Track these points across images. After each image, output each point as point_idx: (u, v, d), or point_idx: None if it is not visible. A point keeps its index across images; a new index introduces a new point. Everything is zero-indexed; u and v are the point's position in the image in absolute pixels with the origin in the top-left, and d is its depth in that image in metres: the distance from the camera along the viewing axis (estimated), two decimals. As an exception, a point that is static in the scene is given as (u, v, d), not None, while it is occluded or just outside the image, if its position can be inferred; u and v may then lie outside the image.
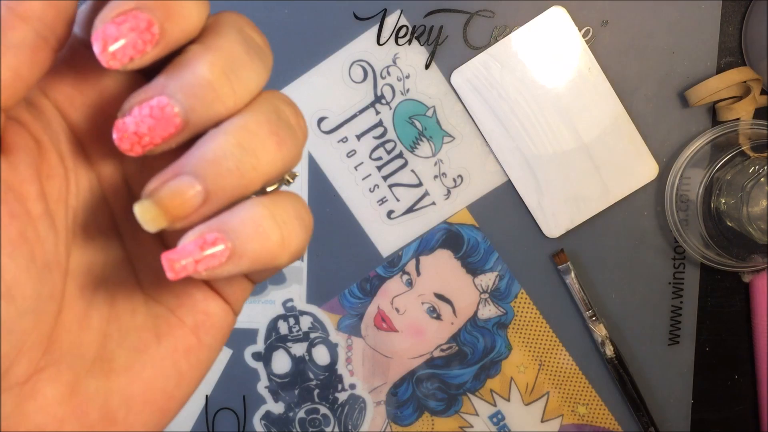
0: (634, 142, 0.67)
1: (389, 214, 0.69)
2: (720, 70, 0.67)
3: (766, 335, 0.69)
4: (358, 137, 0.68)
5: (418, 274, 0.70)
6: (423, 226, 0.70)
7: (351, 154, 0.69)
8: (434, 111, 0.68)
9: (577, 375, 0.71)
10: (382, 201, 0.69)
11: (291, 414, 0.72)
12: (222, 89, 0.28)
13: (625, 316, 0.70)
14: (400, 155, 0.69)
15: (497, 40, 0.67)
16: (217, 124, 0.28)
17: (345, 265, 0.70)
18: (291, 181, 0.31)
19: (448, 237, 0.69)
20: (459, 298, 0.70)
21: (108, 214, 0.32)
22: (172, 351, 0.32)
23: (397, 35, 0.67)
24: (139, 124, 0.27)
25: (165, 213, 0.27)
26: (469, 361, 0.71)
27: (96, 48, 0.27)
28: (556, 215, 0.68)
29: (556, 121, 0.67)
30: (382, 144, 0.69)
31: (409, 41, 0.67)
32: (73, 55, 0.30)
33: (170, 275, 0.28)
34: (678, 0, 0.66)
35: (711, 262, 0.67)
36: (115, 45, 0.27)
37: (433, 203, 0.69)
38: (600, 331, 0.69)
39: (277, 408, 0.72)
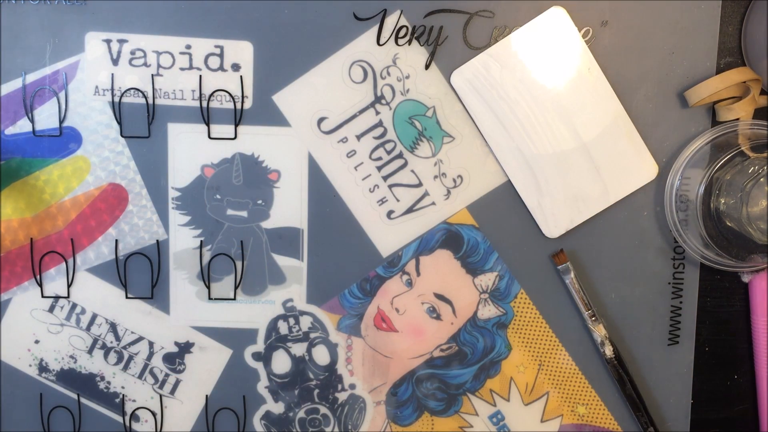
0: (634, 142, 0.67)
1: (389, 214, 0.69)
2: (720, 70, 0.67)
3: (766, 335, 0.69)
4: (358, 137, 0.68)
5: (418, 274, 0.70)
6: (423, 226, 0.70)
7: (351, 154, 0.69)
8: (434, 111, 0.68)
9: (577, 375, 0.71)
10: (382, 201, 0.69)
11: (291, 414, 0.72)
12: None
13: (625, 317, 0.70)
14: (400, 155, 0.69)
15: (497, 41, 0.67)
16: None
17: (345, 265, 0.70)
18: None
19: (448, 237, 0.69)
20: (459, 298, 0.70)
21: None
22: None
23: (397, 35, 0.67)
24: None
25: None
26: (468, 361, 0.71)
27: None
28: (556, 215, 0.68)
29: (555, 121, 0.67)
30: (382, 144, 0.69)
31: (409, 41, 0.67)
32: None
33: None
34: (678, 0, 0.66)
35: (711, 262, 0.67)
36: None
37: (433, 203, 0.69)
38: (599, 331, 0.69)
39: (277, 408, 0.72)
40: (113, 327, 0.71)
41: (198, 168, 0.69)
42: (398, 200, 0.69)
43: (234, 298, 0.70)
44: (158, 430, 0.72)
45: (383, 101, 0.68)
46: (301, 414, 0.72)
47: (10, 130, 0.69)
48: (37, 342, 0.71)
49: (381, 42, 0.67)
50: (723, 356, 0.71)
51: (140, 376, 0.72)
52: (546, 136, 0.67)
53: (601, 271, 0.69)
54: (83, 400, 0.72)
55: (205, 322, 0.71)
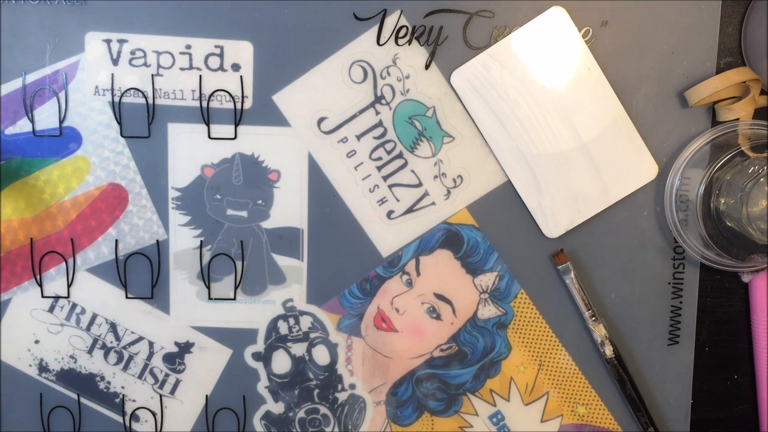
0: (634, 142, 0.67)
1: (389, 214, 0.69)
2: (720, 70, 0.67)
3: (766, 335, 0.69)
4: (358, 137, 0.68)
5: (418, 274, 0.70)
6: (423, 226, 0.70)
7: (351, 154, 0.69)
8: (434, 111, 0.68)
9: (577, 375, 0.71)
10: (382, 201, 0.69)
11: (291, 414, 0.72)
12: None
13: (625, 317, 0.70)
14: (400, 155, 0.69)
15: (497, 41, 0.67)
16: None
17: (345, 265, 0.70)
18: None
19: (448, 237, 0.69)
20: (459, 298, 0.70)
21: None
22: None
23: (397, 35, 0.67)
24: None
25: None
26: (468, 361, 0.71)
27: None
28: (556, 215, 0.68)
29: (555, 121, 0.67)
30: (382, 144, 0.69)
31: (409, 41, 0.67)
32: None
33: None
34: (678, 0, 0.66)
35: (711, 262, 0.67)
36: None
37: (433, 203, 0.69)
38: (600, 331, 0.69)
39: (277, 408, 0.72)
40: (113, 327, 0.71)
41: (198, 168, 0.69)
42: (398, 200, 0.69)
43: (234, 298, 0.70)
44: (158, 430, 0.72)
45: (383, 101, 0.68)
46: (301, 414, 0.72)
47: (10, 130, 0.69)
48: (37, 342, 0.71)
49: (381, 42, 0.67)
50: (723, 356, 0.71)
51: (140, 376, 0.72)
52: (546, 136, 0.67)
53: (601, 271, 0.69)
54: (83, 400, 0.72)
55: (205, 322, 0.71)
